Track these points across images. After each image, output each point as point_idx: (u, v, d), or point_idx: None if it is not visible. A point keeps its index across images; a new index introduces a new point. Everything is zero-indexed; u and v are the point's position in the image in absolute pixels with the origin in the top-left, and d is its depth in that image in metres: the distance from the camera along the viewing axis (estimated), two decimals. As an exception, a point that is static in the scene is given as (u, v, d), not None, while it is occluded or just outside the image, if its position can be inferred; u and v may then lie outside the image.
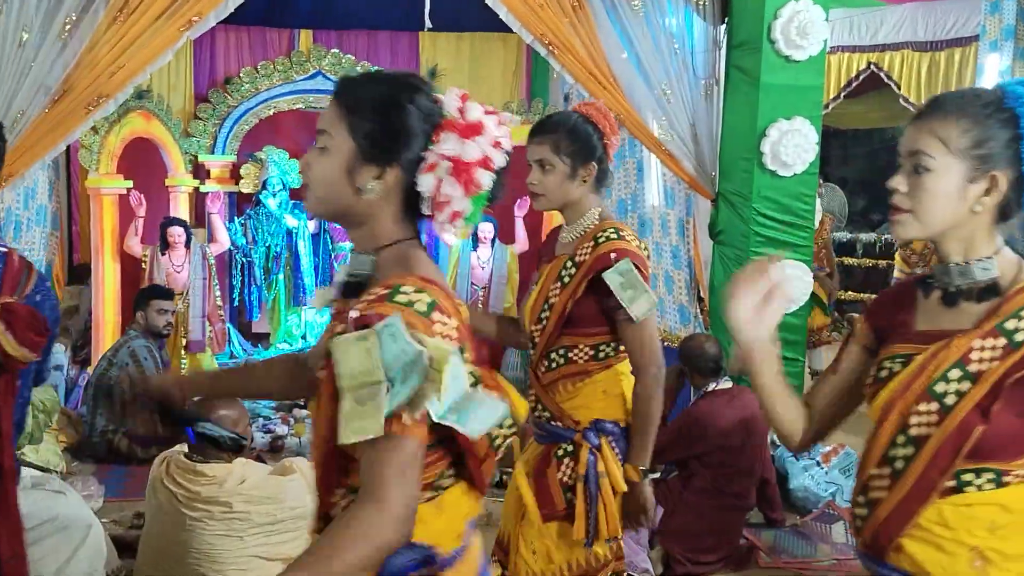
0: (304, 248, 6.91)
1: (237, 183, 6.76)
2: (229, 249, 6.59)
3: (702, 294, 4.62)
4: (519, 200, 6.39)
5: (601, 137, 2.31)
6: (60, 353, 5.63)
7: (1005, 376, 1.36)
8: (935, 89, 7.30)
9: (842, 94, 7.67)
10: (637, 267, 2.18)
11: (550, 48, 4.02)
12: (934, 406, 1.41)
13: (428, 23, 4.25)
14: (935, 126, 1.43)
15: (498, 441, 1.46)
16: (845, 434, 5.15)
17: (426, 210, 1.42)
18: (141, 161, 6.19)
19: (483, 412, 1.33)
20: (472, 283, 6.37)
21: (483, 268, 6.41)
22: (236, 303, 6.93)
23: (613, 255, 2.17)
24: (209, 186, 6.62)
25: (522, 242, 6.50)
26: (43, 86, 3.60)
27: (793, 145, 4.15)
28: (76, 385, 5.58)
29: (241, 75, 6.72)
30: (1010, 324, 1.39)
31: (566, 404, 2.30)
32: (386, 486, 1.25)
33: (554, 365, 2.31)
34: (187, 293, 5.93)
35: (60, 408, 4.48)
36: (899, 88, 7.40)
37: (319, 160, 1.42)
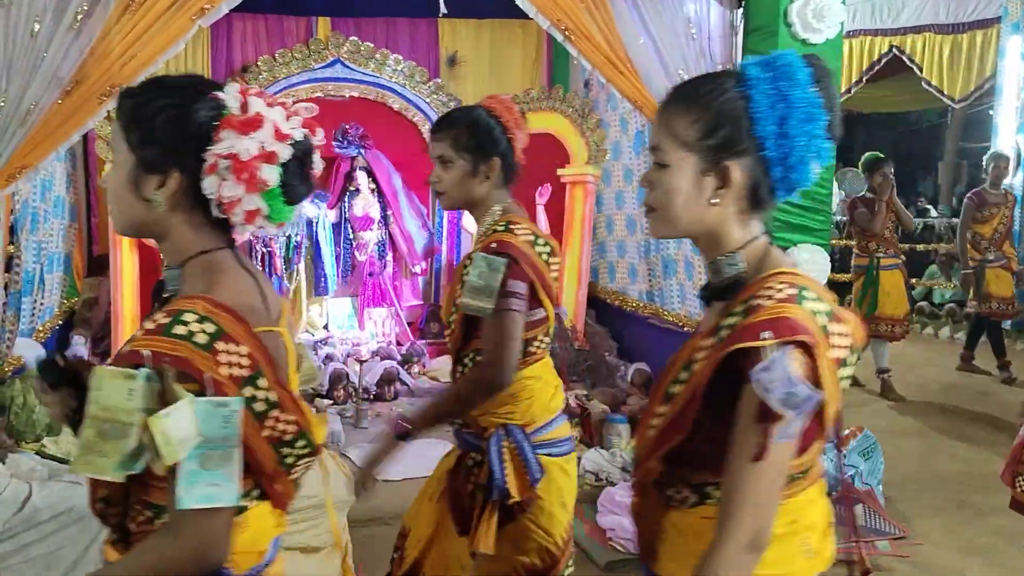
0: (324, 238, 6.90)
1: (255, 172, 6.75)
2: (248, 239, 6.60)
3: (721, 280, 4.57)
4: (540, 188, 6.35)
5: (504, 131, 2.22)
6: (80, 345, 5.68)
7: (705, 378, 1.28)
8: (958, 71, 7.20)
9: (864, 78, 7.58)
10: (516, 260, 2.08)
11: (567, 34, 3.98)
12: (664, 408, 1.36)
13: (443, 8, 4.21)
14: (668, 119, 1.36)
15: (289, 460, 1.44)
16: (865, 418, 5.13)
17: (216, 212, 1.37)
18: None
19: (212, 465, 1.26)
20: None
21: (502, 258, 6.38)
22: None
23: (493, 245, 2.10)
24: (227, 175, 6.62)
25: (544, 230, 6.46)
26: (56, 77, 3.59)
27: (812, 129, 4.09)
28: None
29: (259, 63, 6.70)
30: (726, 321, 1.30)
31: (474, 410, 2.21)
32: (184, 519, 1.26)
33: (463, 368, 2.23)
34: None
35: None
36: (921, 71, 7.30)
37: (110, 176, 1.41)
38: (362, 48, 6.76)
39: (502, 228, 2.14)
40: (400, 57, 6.85)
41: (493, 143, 2.20)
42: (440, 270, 7.01)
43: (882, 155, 6.45)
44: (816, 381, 1.21)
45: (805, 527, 1.36)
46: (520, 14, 4.04)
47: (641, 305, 6.06)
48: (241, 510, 1.37)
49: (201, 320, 1.26)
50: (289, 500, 1.49)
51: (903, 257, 6.60)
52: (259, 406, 1.33)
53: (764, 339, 1.20)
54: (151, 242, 5.71)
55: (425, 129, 6.56)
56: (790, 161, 1.30)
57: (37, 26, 3.53)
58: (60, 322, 5.79)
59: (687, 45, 4.15)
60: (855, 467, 4.20)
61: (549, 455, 2.22)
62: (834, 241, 8.46)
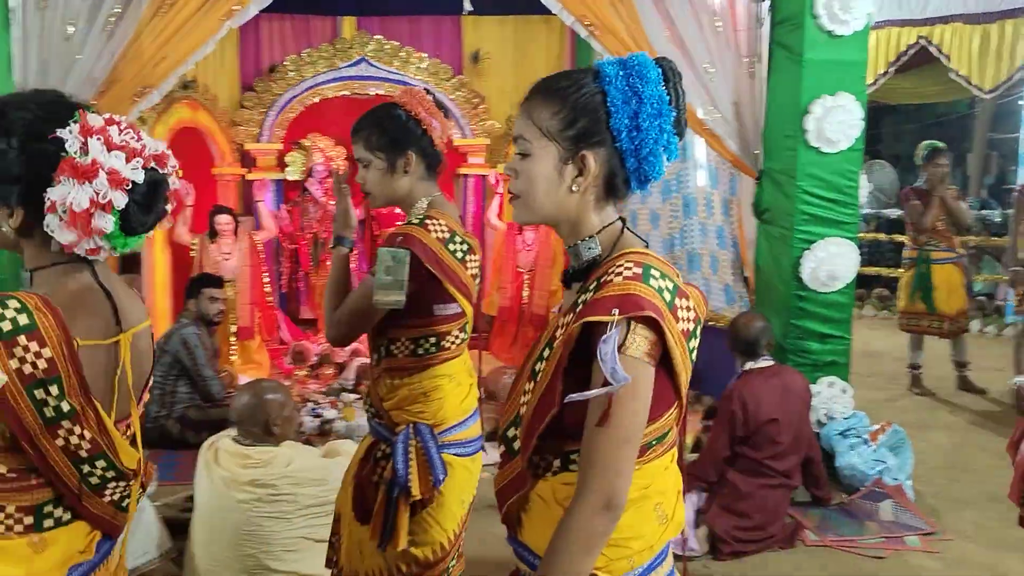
0: (350, 234, 6.95)
1: (283, 170, 6.84)
2: (275, 237, 6.68)
3: (747, 274, 4.57)
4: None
5: (418, 124, 2.20)
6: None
7: (565, 352, 1.35)
8: (986, 62, 7.10)
9: (891, 69, 7.49)
10: (418, 257, 2.06)
11: (591, 29, 3.99)
12: (530, 385, 1.42)
13: (468, 6, 4.23)
14: (531, 110, 1.43)
15: (93, 480, 1.42)
16: (895, 413, 5.10)
17: (56, 247, 1.42)
18: (189, 150, 6.29)
19: None
20: (518, 266, 6.38)
21: (528, 251, 6.41)
22: (284, 290, 7.03)
23: (399, 238, 2.08)
24: (255, 174, 6.71)
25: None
26: (90, 78, 3.67)
27: (837, 121, 4.08)
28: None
29: (286, 63, 6.78)
30: (581, 298, 1.38)
31: (386, 403, 2.21)
32: None
33: (378, 358, 2.22)
34: (235, 280, 6.03)
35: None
36: (950, 62, 7.20)
37: None
38: (386, 46, 6.82)
39: (416, 222, 2.15)
40: (424, 55, 6.89)
41: (406, 137, 2.18)
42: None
43: (940, 145, 6.20)
44: (664, 352, 1.32)
45: (658, 492, 1.43)
46: (544, 10, 4.07)
47: (666, 300, 6.06)
48: (39, 527, 1.39)
49: (20, 311, 1.29)
50: (112, 526, 1.48)
51: (961, 251, 6.27)
52: (48, 411, 1.33)
53: (612, 314, 1.28)
54: (187, 240, 5.73)
55: (449, 124, 6.60)
56: (642, 153, 1.38)
57: (71, 28, 3.61)
58: (95, 319, 5.89)
59: (712, 38, 4.15)
60: (884, 462, 4.18)
61: (456, 455, 2.23)
62: (863, 234, 8.39)
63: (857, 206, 4.28)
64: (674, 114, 1.39)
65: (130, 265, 6.67)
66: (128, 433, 1.52)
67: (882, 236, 10.20)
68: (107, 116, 1.45)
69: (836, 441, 4.21)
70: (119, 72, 3.70)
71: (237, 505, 2.77)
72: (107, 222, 1.37)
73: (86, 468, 1.41)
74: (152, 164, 1.46)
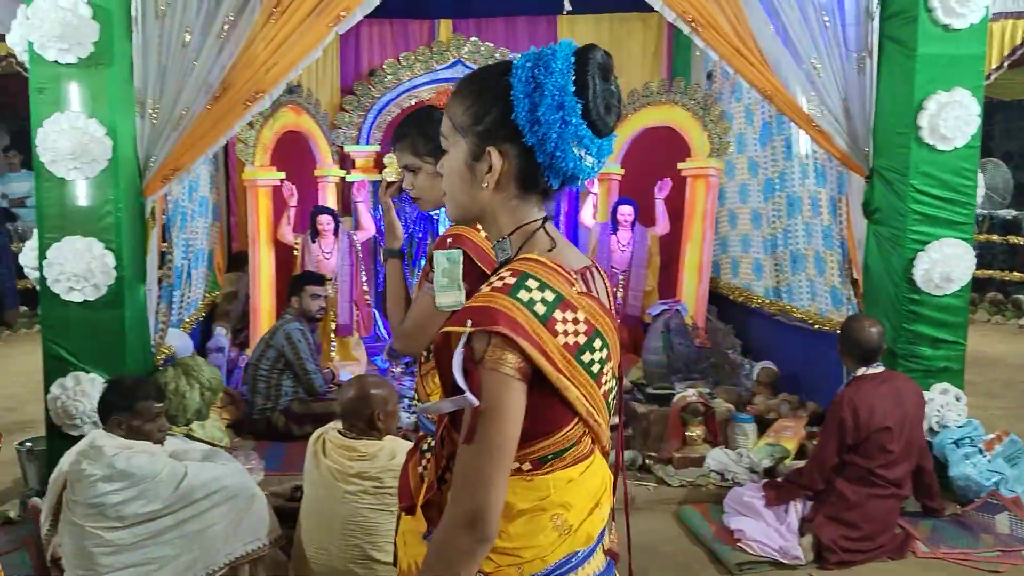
0: (443, 234, 7.05)
1: (381, 172, 6.98)
2: (374, 236, 6.82)
3: (856, 275, 4.43)
4: (659, 182, 6.30)
5: None
6: (221, 336, 5.99)
7: (441, 363, 1.32)
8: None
9: (1005, 63, 7.16)
10: (468, 255, 2.06)
11: (693, 26, 3.94)
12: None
13: (567, 6, 4.24)
14: (450, 105, 1.42)
15: None
16: (1011, 422, 4.87)
17: None
18: (292, 153, 6.49)
19: None
20: (612, 266, 6.34)
21: (623, 251, 6.37)
22: (381, 288, 7.17)
23: (449, 240, 2.09)
24: (355, 175, 6.87)
25: (663, 225, 6.41)
26: (205, 84, 3.81)
27: (953, 117, 3.92)
28: (236, 366, 5.92)
29: (384, 67, 6.92)
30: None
31: (432, 398, 2.20)
32: None
33: (427, 355, 2.21)
34: (336, 278, 6.18)
35: (223, 387, 4.76)
36: (1071, 54, 6.82)
37: None
38: (482, 48, 6.88)
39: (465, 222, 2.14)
40: (519, 55, 6.92)
41: None
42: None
43: None
44: (527, 366, 1.26)
45: (559, 504, 1.38)
46: (640, 7, 4.04)
47: (767, 302, 5.94)
48: None
49: None
50: None
51: None
52: None
53: (466, 326, 1.26)
54: (290, 239, 5.89)
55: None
56: (546, 147, 1.33)
57: (188, 36, 3.76)
58: (204, 314, 6.13)
59: (819, 33, 4.05)
60: (1001, 473, 4.00)
61: None
62: (978, 235, 8.04)
63: (973, 206, 4.11)
64: (581, 104, 1.32)
65: (237, 263, 6.92)
66: None
67: (995, 238, 9.75)
68: None
69: (949, 450, 4.05)
70: (232, 78, 3.83)
71: (344, 496, 2.84)
72: None
73: None
74: None
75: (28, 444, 4.15)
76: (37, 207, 3.77)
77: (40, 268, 3.73)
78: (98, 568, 2.82)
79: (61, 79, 3.65)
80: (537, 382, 1.28)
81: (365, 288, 6.58)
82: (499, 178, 1.37)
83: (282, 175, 6.25)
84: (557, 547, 1.38)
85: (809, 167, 5.29)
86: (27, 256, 3.89)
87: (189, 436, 4.12)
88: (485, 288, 1.31)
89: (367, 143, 6.92)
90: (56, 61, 3.61)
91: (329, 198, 6.73)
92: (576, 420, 1.36)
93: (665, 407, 4.79)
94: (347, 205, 6.92)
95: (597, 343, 1.34)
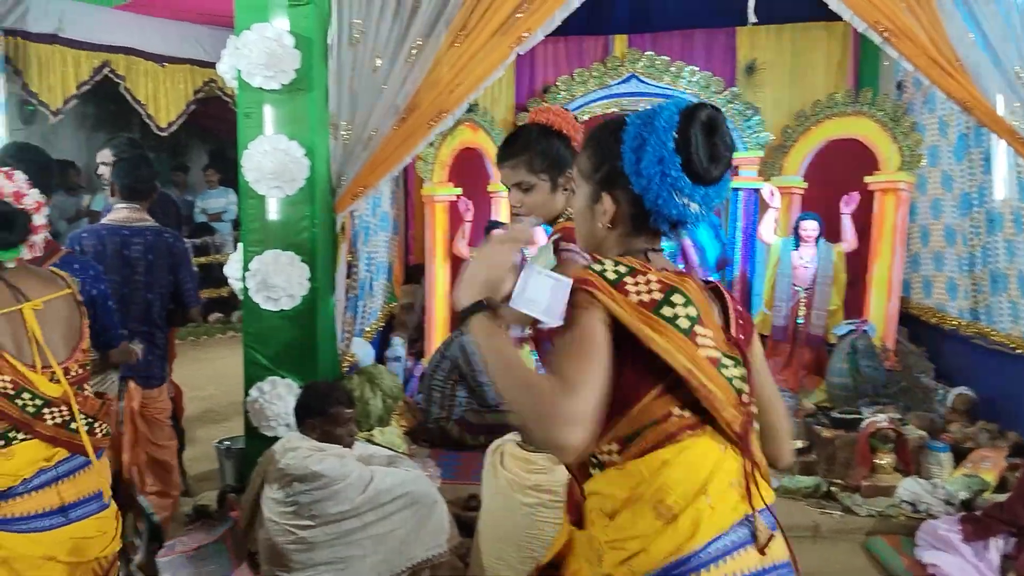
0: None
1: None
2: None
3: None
4: (846, 196, 6.02)
5: (569, 142, 2.28)
6: (399, 346, 6.24)
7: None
8: None
9: None
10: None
11: (886, 36, 3.76)
12: None
13: (752, 17, 4.14)
14: (579, 154, 1.67)
15: (30, 409, 2.10)
16: None
17: None
18: (468, 169, 6.68)
19: None
20: (794, 284, 6.11)
21: (806, 268, 6.10)
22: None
23: (557, 236, 2.20)
24: (528, 191, 6.96)
25: (850, 241, 6.06)
26: (393, 106, 3.99)
27: None
28: (412, 375, 6.14)
29: (558, 83, 7.00)
30: None
31: None
32: None
33: None
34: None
35: (403, 395, 4.95)
36: None
37: None
38: (657, 62, 6.83)
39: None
40: (695, 68, 6.83)
41: (565, 157, 2.28)
42: (733, 281, 6.87)
43: None
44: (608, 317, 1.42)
45: (655, 488, 1.41)
46: (825, 16, 3.88)
47: (963, 324, 5.54)
48: (8, 443, 2.10)
49: None
50: (72, 445, 2.17)
51: None
52: None
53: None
54: (465, 253, 6.05)
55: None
56: (650, 195, 1.51)
57: (379, 61, 3.95)
58: (382, 325, 6.40)
59: (1024, 39, 3.76)
60: None
61: None
62: None
63: None
64: (681, 158, 1.47)
65: (413, 275, 7.19)
66: (53, 376, 2.17)
67: None
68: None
69: None
70: (418, 99, 3.98)
71: (520, 508, 2.87)
72: None
73: (20, 401, 2.10)
74: (6, 199, 2.08)
75: (227, 443, 4.46)
76: (241, 222, 4.07)
77: (243, 279, 4.02)
78: (291, 563, 3.00)
79: (265, 104, 3.93)
80: (619, 343, 1.41)
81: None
82: (613, 218, 1.57)
83: (458, 191, 6.44)
84: (660, 535, 1.39)
85: (1012, 181, 4.91)
86: (231, 267, 4.20)
87: (369, 441, 4.30)
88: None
89: (541, 159, 7.00)
90: (261, 88, 3.88)
91: (502, 213, 6.88)
92: (657, 390, 1.44)
93: (852, 432, 4.57)
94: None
95: (677, 298, 1.46)
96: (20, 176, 2.15)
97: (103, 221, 3.75)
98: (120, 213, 3.70)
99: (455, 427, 5.11)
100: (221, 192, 9.88)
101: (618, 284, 1.45)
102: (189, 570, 3.41)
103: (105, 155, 4.14)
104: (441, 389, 5.19)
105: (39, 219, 2.15)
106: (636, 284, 1.46)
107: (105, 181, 3.96)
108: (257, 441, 3.91)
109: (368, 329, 5.80)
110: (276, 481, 3.07)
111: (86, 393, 2.31)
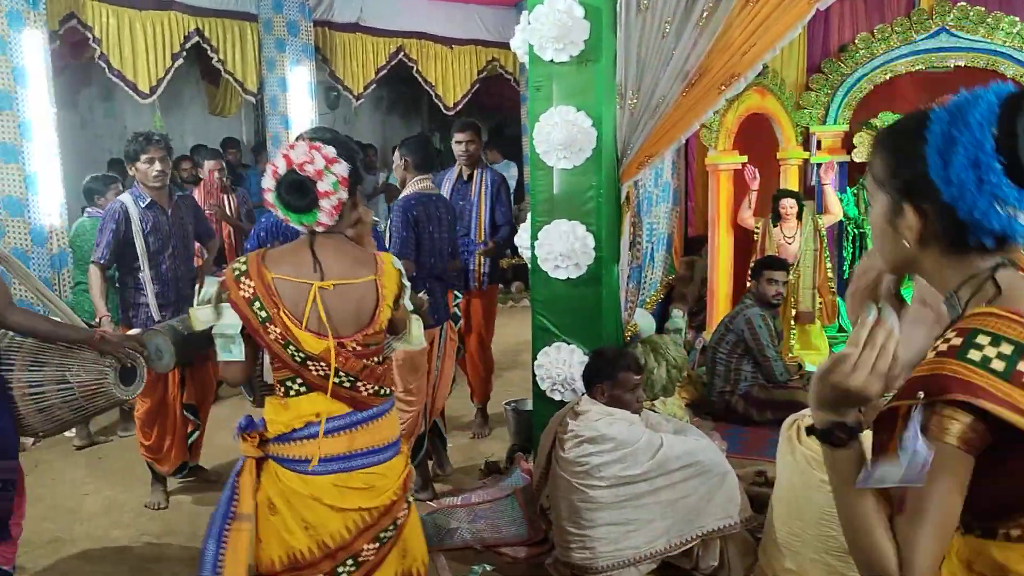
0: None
1: (849, 152, 6.64)
2: (841, 220, 6.51)
3: None
4: None
5: None
6: (678, 318, 6.19)
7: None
8: None
9: None
10: None
11: None
12: None
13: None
14: (871, 155, 1.36)
15: (297, 359, 2.28)
16: None
17: None
18: (754, 136, 6.45)
19: None
20: None
21: None
22: (847, 275, 6.83)
23: None
24: (820, 157, 6.61)
25: None
26: (681, 72, 3.91)
27: None
28: (691, 348, 6.07)
29: (856, 42, 6.55)
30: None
31: None
32: None
33: None
34: (797, 264, 6.02)
35: (687, 366, 4.91)
36: None
37: None
38: (971, 13, 6.19)
39: None
40: (1016, 19, 6.09)
41: None
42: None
43: None
44: (979, 436, 1.15)
45: None
46: None
47: None
48: (286, 394, 2.33)
49: (243, 263, 2.31)
50: (353, 400, 2.33)
51: None
52: (260, 314, 2.26)
53: (917, 397, 1.16)
54: (750, 223, 5.89)
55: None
56: (964, 206, 1.21)
57: (668, 27, 3.90)
58: (662, 295, 6.38)
59: None
60: None
61: None
62: None
63: None
64: (1003, 161, 1.17)
65: (692, 247, 7.08)
66: (350, 345, 2.32)
67: None
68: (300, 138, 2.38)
69: None
70: (708, 64, 3.88)
71: (820, 484, 2.75)
72: (273, 200, 2.28)
73: (289, 351, 2.26)
74: (294, 167, 2.24)
75: (513, 404, 4.69)
76: (531, 193, 4.21)
77: (532, 248, 4.17)
78: (582, 521, 3.10)
79: (554, 76, 4.02)
80: (1018, 443, 1.15)
81: (829, 275, 6.32)
82: (919, 235, 1.28)
83: (744, 158, 6.25)
84: None
85: None
86: (521, 237, 4.37)
87: (651, 411, 4.31)
88: (930, 354, 1.22)
89: (834, 122, 6.62)
90: (551, 60, 3.97)
91: (791, 181, 6.57)
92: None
93: None
94: (809, 188, 6.70)
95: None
96: (329, 149, 2.30)
97: (406, 193, 4.28)
98: (422, 183, 4.29)
99: (740, 401, 4.99)
100: (504, 166, 10.32)
101: (1012, 376, 1.14)
102: (483, 522, 3.62)
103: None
104: (725, 363, 5.09)
105: (324, 185, 2.25)
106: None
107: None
108: (544, 403, 4.05)
109: (648, 300, 5.81)
110: (567, 442, 3.17)
111: (365, 362, 2.38)
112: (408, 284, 2.50)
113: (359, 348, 2.35)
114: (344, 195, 2.31)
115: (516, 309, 9.35)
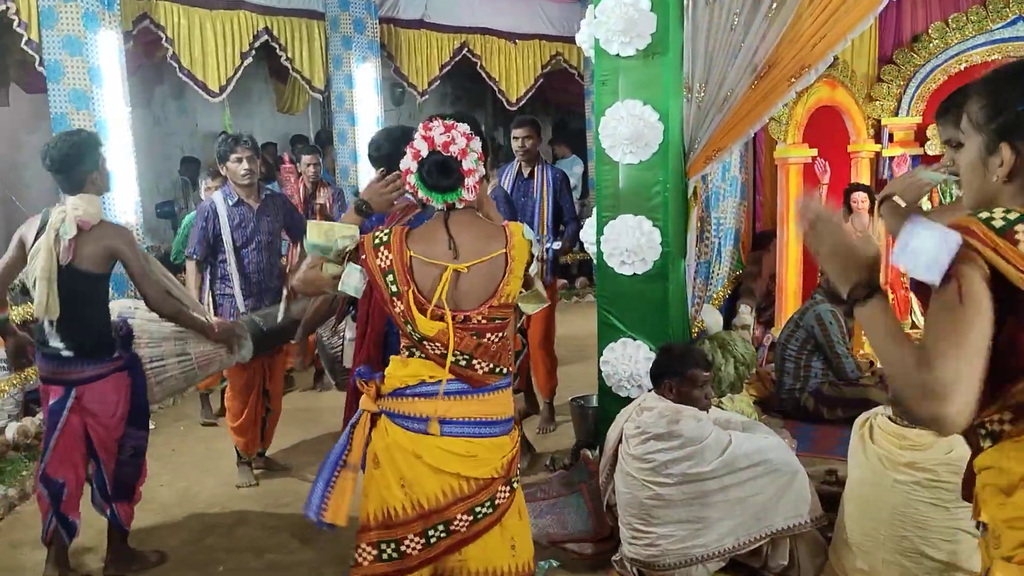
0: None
1: (922, 145, 6.46)
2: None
3: None
4: None
5: None
6: (746, 314, 6.11)
7: None
8: None
9: None
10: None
11: None
12: None
13: None
14: (968, 103, 1.49)
15: (415, 336, 2.35)
16: None
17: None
18: (824, 129, 6.32)
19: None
20: None
21: None
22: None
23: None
24: (892, 150, 6.46)
25: None
26: (750, 65, 3.86)
27: None
28: (760, 344, 5.99)
29: (929, 31, 6.37)
30: None
31: None
32: None
33: None
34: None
35: (756, 363, 4.84)
36: None
37: None
38: (1056, -3, 5.96)
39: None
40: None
41: None
42: None
43: None
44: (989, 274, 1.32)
45: None
46: None
47: None
48: (410, 355, 2.41)
49: (387, 234, 2.38)
50: (463, 375, 2.36)
51: None
52: (392, 287, 2.33)
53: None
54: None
55: None
56: None
57: (736, 19, 3.85)
58: (729, 291, 6.30)
59: None
60: None
61: None
62: None
63: None
64: None
65: (759, 242, 6.97)
66: (475, 318, 2.35)
67: None
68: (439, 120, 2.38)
69: None
70: (777, 56, 3.82)
71: (893, 485, 2.70)
72: (414, 182, 2.35)
73: (408, 328, 2.34)
74: (437, 148, 2.29)
75: (580, 400, 4.68)
76: (596, 188, 4.20)
77: (597, 243, 4.16)
78: (649, 518, 3.08)
79: (620, 70, 4.00)
80: (1008, 306, 1.30)
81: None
82: (1012, 170, 1.43)
83: (814, 152, 6.13)
84: None
85: None
86: (586, 232, 4.36)
87: (719, 408, 4.27)
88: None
89: (907, 114, 6.45)
90: (617, 54, 3.95)
91: (863, 174, 6.43)
92: None
93: None
94: (881, 182, 6.54)
95: None
96: (463, 126, 2.36)
97: None
98: None
99: (810, 399, 4.91)
100: (571, 161, 10.30)
101: (1006, 232, 1.34)
102: (549, 517, 3.64)
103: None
104: (795, 360, 5.01)
105: (468, 164, 2.31)
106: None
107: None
108: (610, 399, 4.04)
109: (715, 296, 5.74)
110: (634, 438, 3.16)
111: (480, 340, 2.40)
112: (536, 254, 2.50)
113: (484, 321, 2.36)
114: (483, 170, 2.38)
115: (581, 304, 9.33)
